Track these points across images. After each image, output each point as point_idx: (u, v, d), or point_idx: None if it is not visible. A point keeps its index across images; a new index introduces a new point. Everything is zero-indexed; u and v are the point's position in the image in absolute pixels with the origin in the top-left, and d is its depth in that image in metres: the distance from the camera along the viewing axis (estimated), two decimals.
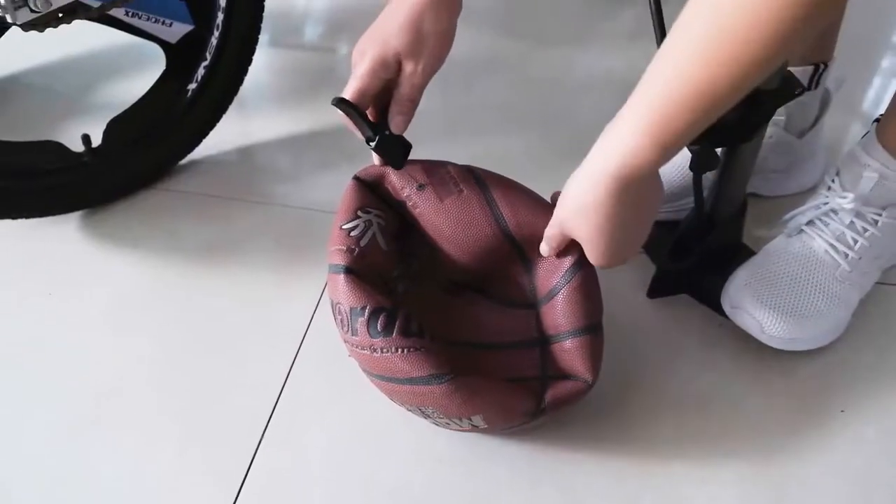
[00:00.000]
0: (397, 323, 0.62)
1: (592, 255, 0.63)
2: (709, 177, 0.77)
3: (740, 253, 0.83)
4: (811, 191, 0.93)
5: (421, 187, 0.70)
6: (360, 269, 0.65)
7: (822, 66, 0.83)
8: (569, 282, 0.68)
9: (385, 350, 0.62)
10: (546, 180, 0.91)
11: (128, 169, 0.95)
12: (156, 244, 0.90)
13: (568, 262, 0.68)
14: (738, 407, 0.73)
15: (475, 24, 1.25)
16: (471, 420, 0.63)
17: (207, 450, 0.71)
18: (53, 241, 0.91)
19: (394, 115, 0.68)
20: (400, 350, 0.62)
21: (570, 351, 0.67)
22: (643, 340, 0.79)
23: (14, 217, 0.88)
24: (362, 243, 0.67)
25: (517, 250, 0.71)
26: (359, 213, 0.69)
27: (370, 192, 0.71)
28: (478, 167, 0.73)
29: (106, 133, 0.92)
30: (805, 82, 0.83)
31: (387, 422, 0.73)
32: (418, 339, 0.62)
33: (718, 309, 0.81)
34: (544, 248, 0.67)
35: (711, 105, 0.51)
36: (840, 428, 0.72)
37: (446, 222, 0.70)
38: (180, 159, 0.99)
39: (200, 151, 1.01)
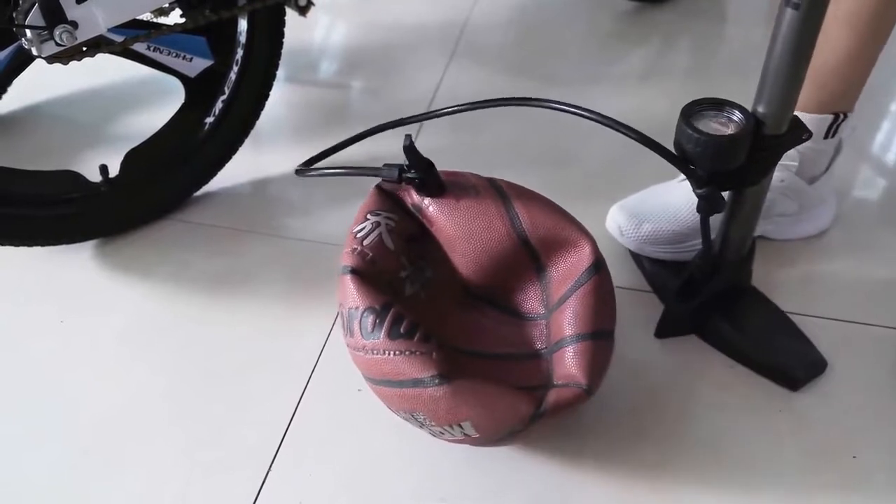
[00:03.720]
0: (385, 324, 0.63)
1: None
2: (718, 219, 0.78)
3: (748, 295, 0.83)
4: (820, 236, 0.93)
5: (440, 189, 0.71)
6: (364, 270, 0.66)
7: (841, 116, 0.83)
8: (580, 286, 0.68)
9: (375, 352, 0.63)
10: None
11: (143, 199, 0.96)
12: (168, 274, 0.91)
13: (582, 266, 0.68)
14: (749, 450, 0.73)
15: (487, 63, 1.27)
16: (461, 428, 0.63)
17: (212, 483, 0.71)
18: (67, 269, 0.92)
19: None
20: (387, 353, 0.62)
21: (570, 357, 0.66)
22: (653, 380, 0.79)
23: (30, 244, 0.89)
24: (365, 243, 0.68)
25: (531, 254, 0.70)
26: (368, 216, 0.70)
27: (387, 198, 0.73)
28: (498, 179, 0.74)
29: (123, 164, 0.94)
30: (823, 131, 0.83)
31: (395, 457, 0.72)
32: (405, 342, 0.62)
33: (724, 350, 0.80)
34: None
35: None
36: (853, 473, 0.71)
37: (462, 221, 0.70)
38: (195, 191, 1.00)
39: (215, 183, 1.02)
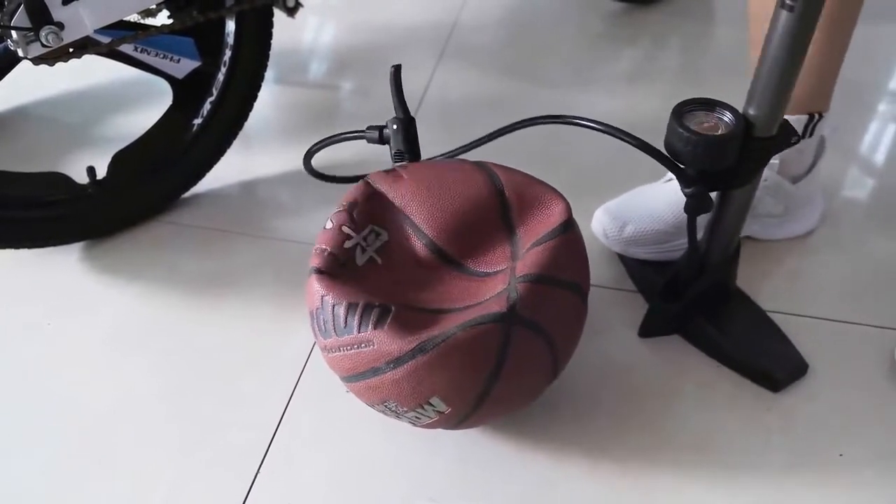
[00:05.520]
0: (330, 322, 0.64)
1: None
2: (704, 219, 0.78)
3: (733, 297, 0.84)
4: (806, 236, 0.94)
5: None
6: (325, 266, 0.67)
7: (816, 116, 0.84)
8: (548, 240, 0.66)
9: (332, 350, 0.65)
10: None
11: (131, 201, 0.96)
12: (156, 276, 0.91)
13: (552, 224, 0.68)
14: (735, 448, 0.73)
15: (478, 64, 1.27)
16: (433, 406, 0.63)
17: (201, 484, 0.71)
18: (55, 271, 0.91)
19: None
20: (341, 349, 0.64)
21: (516, 290, 0.63)
22: (639, 379, 0.79)
23: (18, 246, 0.88)
24: (319, 240, 0.69)
25: (503, 209, 0.70)
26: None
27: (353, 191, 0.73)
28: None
29: (111, 165, 0.93)
30: (799, 131, 0.84)
31: (384, 457, 0.72)
32: (350, 337, 0.63)
33: (707, 351, 0.81)
34: None
35: None
36: (839, 471, 0.71)
37: (437, 174, 0.71)
38: (183, 192, 1.00)
39: (203, 185, 1.02)
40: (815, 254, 0.93)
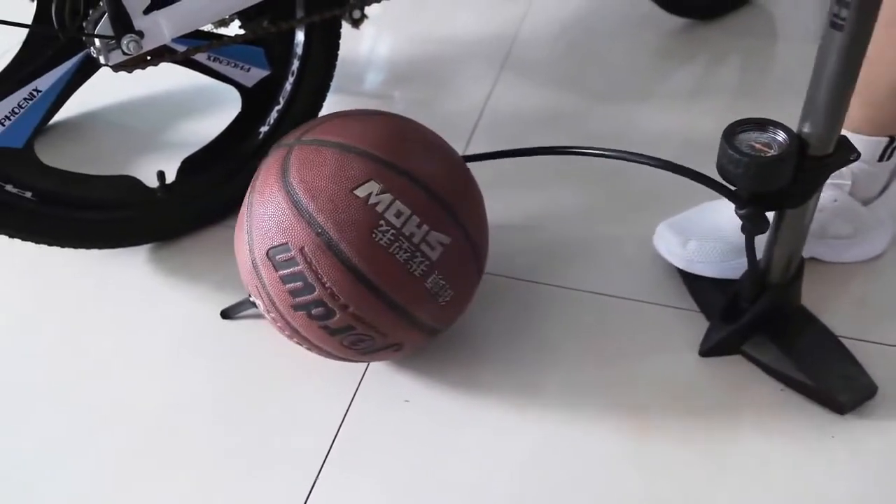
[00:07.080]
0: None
1: None
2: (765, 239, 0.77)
3: (797, 316, 0.82)
4: (874, 259, 0.92)
5: None
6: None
7: None
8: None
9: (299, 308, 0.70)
10: (600, 235, 0.92)
11: (198, 205, 0.98)
12: (218, 280, 0.93)
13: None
14: (798, 476, 0.72)
15: (536, 78, 1.28)
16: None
17: (260, 488, 0.72)
18: (122, 272, 0.94)
19: None
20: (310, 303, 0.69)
21: None
22: (699, 399, 0.78)
23: (88, 247, 0.91)
24: None
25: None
26: None
27: None
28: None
29: (180, 170, 0.96)
30: (878, 154, 0.82)
31: (443, 468, 0.73)
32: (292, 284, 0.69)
33: (768, 371, 0.80)
34: None
35: None
36: None
37: None
38: None
39: None
40: (884, 277, 0.90)
